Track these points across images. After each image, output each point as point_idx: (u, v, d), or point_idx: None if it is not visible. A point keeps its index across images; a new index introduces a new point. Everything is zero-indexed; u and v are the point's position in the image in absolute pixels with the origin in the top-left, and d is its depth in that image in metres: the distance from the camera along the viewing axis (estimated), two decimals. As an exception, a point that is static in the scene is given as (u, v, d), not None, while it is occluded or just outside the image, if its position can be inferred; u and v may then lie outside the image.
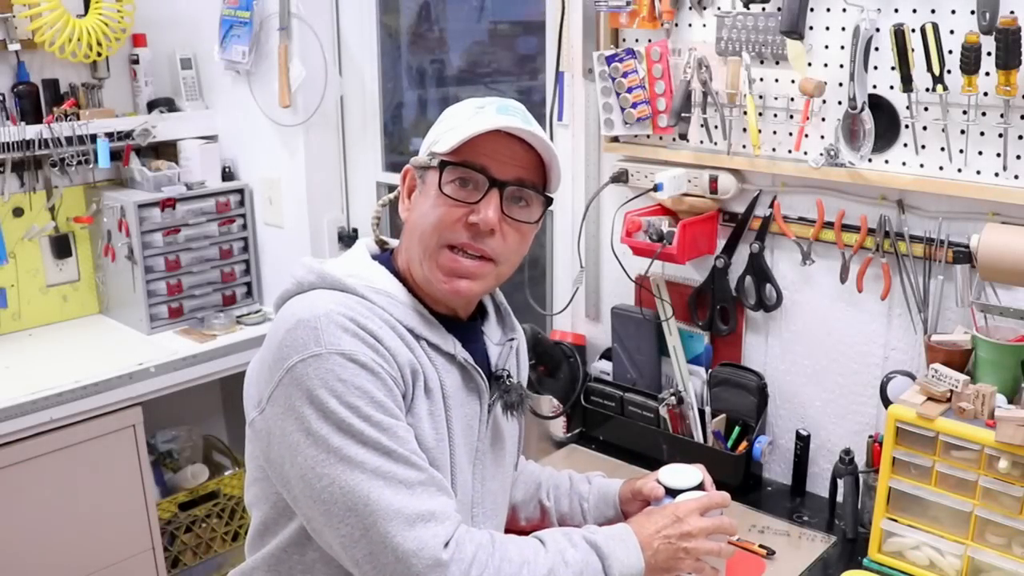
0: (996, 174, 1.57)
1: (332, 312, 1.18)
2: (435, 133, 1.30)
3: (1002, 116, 1.52)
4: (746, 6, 1.76)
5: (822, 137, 1.76)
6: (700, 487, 1.46)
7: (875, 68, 1.64)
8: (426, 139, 1.32)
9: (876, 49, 1.62)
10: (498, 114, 1.25)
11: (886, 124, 1.66)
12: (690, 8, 1.87)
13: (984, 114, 1.55)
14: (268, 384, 1.19)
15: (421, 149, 1.32)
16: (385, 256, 1.36)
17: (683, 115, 1.87)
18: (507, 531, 1.64)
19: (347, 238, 2.86)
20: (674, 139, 1.97)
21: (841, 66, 1.69)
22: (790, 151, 1.80)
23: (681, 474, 1.48)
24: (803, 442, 1.87)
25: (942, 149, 1.61)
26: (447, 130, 1.27)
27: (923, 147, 1.64)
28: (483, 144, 1.23)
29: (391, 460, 1.14)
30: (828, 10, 1.69)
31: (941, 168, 1.63)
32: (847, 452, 1.72)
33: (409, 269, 1.31)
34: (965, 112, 1.57)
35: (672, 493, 1.44)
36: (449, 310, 1.34)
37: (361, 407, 1.14)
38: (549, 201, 1.31)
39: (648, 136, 2.00)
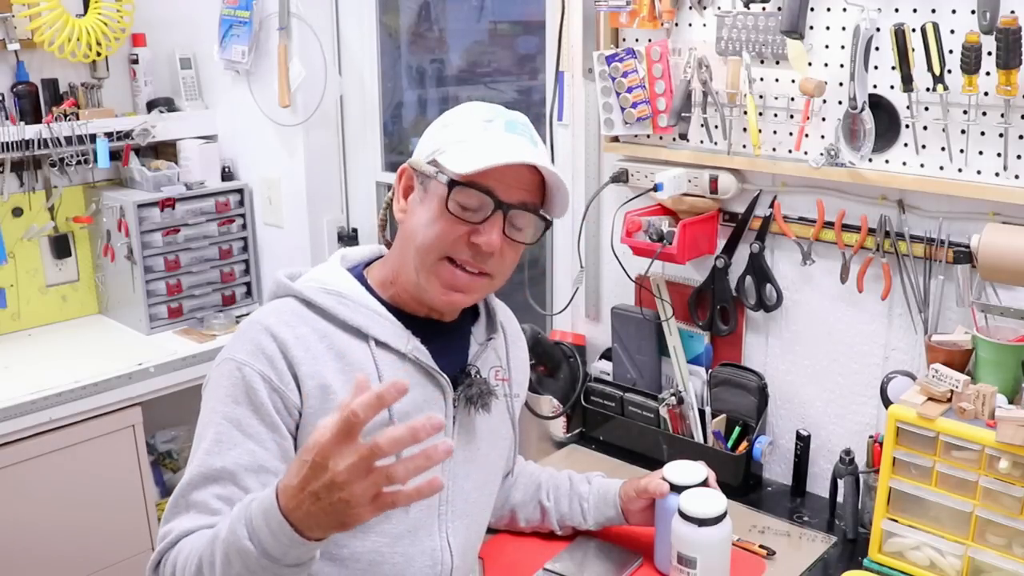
0: (996, 174, 1.57)
1: (254, 323, 1.27)
2: (439, 140, 1.28)
3: (1002, 116, 1.52)
4: (746, 6, 1.76)
5: (822, 137, 1.75)
6: (705, 483, 1.52)
7: (875, 68, 1.64)
8: (427, 141, 1.31)
9: (876, 49, 1.62)
10: (507, 132, 1.27)
11: (886, 124, 1.66)
12: (690, 8, 1.87)
13: (984, 114, 1.55)
14: None
15: (420, 150, 1.31)
16: (358, 270, 1.37)
17: (683, 115, 1.87)
18: (507, 532, 1.65)
19: (347, 238, 2.85)
20: (674, 139, 1.97)
21: (841, 66, 1.69)
22: (790, 151, 1.80)
23: (686, 470, 1.54)
24: (803, 442, 1.87)
25: (942, 149, 1.61)
26: (455, 142, 1.26)
27: (923, 147, 1.64)
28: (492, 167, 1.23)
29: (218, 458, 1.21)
30: (828, 10, 1.69)
31: (941, 168, 1.63)
32: (847, 452, 1.71)
33: (398, 273, 1.32)
34: (965, 112, 1.56)
35: (677, 489, 1.48)
36: (434, 313, 1.35)
37: (228, 412, 1.22)
38: (548, 223, 1.31)
39: (648, 136, 2.00)
